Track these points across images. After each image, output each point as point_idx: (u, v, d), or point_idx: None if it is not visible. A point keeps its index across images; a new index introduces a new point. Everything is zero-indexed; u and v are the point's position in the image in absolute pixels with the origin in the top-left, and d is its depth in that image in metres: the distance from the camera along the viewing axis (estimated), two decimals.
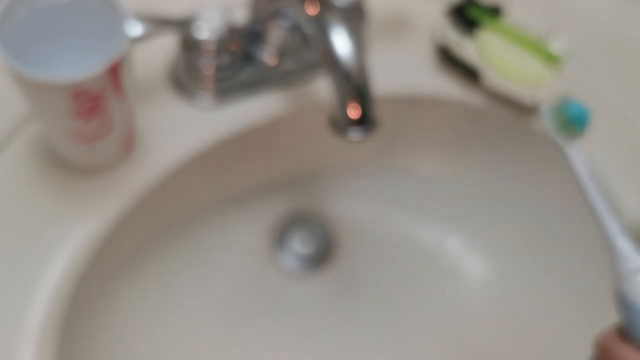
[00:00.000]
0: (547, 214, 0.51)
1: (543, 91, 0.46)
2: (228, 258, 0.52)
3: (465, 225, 0.55)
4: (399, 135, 0.52)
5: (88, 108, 0.34)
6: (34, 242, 0.38)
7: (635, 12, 0.54)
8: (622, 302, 0.30)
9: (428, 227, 0.55)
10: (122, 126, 0.38)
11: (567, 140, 0.32)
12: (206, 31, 0.41)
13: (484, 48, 0.47)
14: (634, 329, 0.29)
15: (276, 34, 0.43)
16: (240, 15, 0.45)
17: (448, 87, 0.48)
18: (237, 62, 0.44)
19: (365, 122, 0.36)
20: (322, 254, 0.54)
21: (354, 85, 0.36)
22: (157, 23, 0.40)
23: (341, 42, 0.36)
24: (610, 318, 0.37)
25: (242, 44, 0.44)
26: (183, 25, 0.41)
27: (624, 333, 0.30)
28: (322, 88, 0.46)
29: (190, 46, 0.42)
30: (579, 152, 0.32)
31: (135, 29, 0.38)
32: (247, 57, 0.44)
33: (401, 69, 0.48)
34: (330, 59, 0.36)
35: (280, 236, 0.54)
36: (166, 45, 0.44)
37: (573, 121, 0.32)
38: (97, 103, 0.34)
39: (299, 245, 0.54)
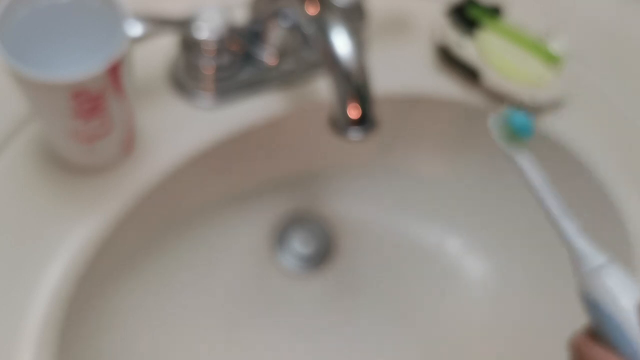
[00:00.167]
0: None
1: (543, 91, 0.46)
2: (228, 258, 0.52)
3: (465, 225, 0.55)
4: (399, 135, 0.52)
5: (88, 108, 0.34)
6: (34, 242, 0.38)
7: (635, 12, 0.54)
8: (588, 302, 0.29)
9: (428, 227, 0.55)
10: (122, 126, 0.38)
11: (515, 149, 0.32)
12: (206, 31, 0.41)
13: (484, 48, 0.47)
14: (601, 328, 0.29)
15: (276, 34, 0.43)
16: (240, 15, 0.45)
17: (448, 87, 0.48)
18: (237, 62, 0.44)
19: (365, 122, 0.36)
20: (322, 254, 0.54)
21: (354, 85, 0.36)
22: (157, 23, 0.40)
23: (341, 42, 0.36)
24: None
25: (242, 44, 0.44)
26: (183, 25, 0.41)
27: (593, 333, 0.29)
28: (322, 88, 0.46)
29: (190, 46, 0.42)
30: (528, 160, 0.32)
31: (135, 29, 0.38)
32: (247, 57, 0.44)
33: (401, 69, 0.48)
34: (330, 59, 0.36)
35: (280, 236, 0.54)
36: (166, 45, 0.44)
37: (518, 131, 0.32)
38: (97, 103, 0.34)
39: (299, 245, 0.54)
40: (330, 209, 0.55)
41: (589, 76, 0.49)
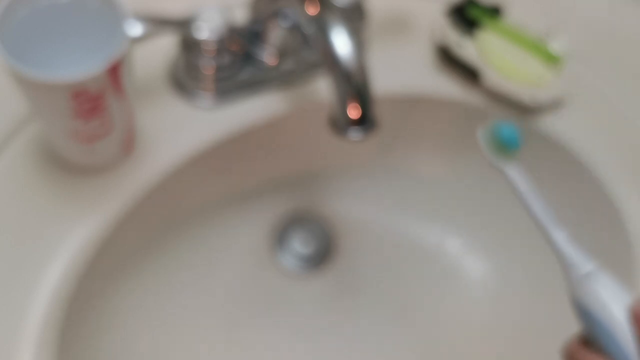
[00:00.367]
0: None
1: (543, 91, 0.46)
2: (228, 258, 0.52)
3: (465, 225, 0.55)
4: (399, 135, 0.52)
5: (88, 108, 0.34)
6: (34, 242, 0.38)
7: (635, 12, 0.54)
8: (579, 309, 0.30)
9: (428, 227, 0.55)
10: (122, 126, 0.38)
11: (504, 160, 0.32)
12: (206, 31, 0.41)
13: (484, 48, 0.47)
14: (593, 335, 0.29)
15: (276, 34, 0.43)
16: (240, 15, 0.45)
17: (448, 87, 0.48)
18: (237, 62, 0.44)
19: (365, 122, 0.36)
20: (322, 254, 0.54)
21: (354, 85, 0.36)
22: (157, 23, 0.40)
23: (341, 42, 0.36)
24: None
25: (242, 44, 0.44)
26: (183, 25, 0.41)
27: (586, 340, 0.30)
28: (322, 88, 0.46)
29: (190, 46, 0.42)
30: (516, 170, 0.32)
31: (135, 29, 0.38)
32: (247, 57, 0.44)
33: (401, 69, 0.48)
34: (330, 59, 0.36)
35: (280, 236, 0.54)
36: (166, 45, 0.44)
37: (506, 142, 0.33)
38: (97, 103, 0.34)
39: (299, 245, 0.54)
40: (330, 209, 0.55)
41: (589, 76, 0.49)
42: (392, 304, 0.53)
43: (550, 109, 0.48)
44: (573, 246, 0.31)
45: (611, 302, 0.28)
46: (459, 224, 0.55)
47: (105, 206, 0.40)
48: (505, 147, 0.33)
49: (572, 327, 0.31)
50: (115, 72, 0.33)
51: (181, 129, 0.43)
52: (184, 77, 0.44)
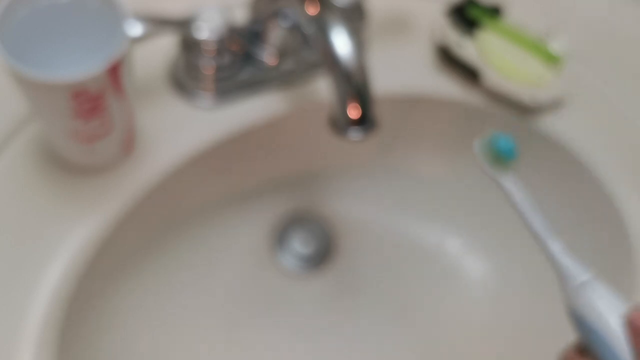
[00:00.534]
0: (547, 213, 0.51)
1: (543, 91, 0.46)
2: (228, 258, 0.52)
3: (465, 225, 0.55)
4: (399, 135, 0.52)
5: (88, 108, 0.34)
6: (34, 242, 0.38)
7: (635, 12, 0.54)
8: (575, 318, 0.30)
9: (428, 227, 0.55)
10: (122, 126, 0.38)
11: (500, 172, 0.33)
12: (206, 31, 0.41)
13: (484, 48, 0.47)
14: (589, 344, 0.29)
15: (276, 34, 0.43)
16: (240, 15, 0.45)
17: (448, 87, 0.48)
18: (237, 62, 0.44)
19: (365, 122, 0.36)
20: (322, 254, 0.54)
21: (354, 85, 0.36)
22: (157, 23, 0.40)
23: (341, 42, 0.36)
24: None
25: (242, 44, 0.44)
26: (183, 25, 0.41)
27: (582, 348, 0.30)
28: (322, 88, 0.46)
29: (190, 46, 0.42)
30: (513, 182, 0.33)
31: (135, 29, 0.38)
32: (247, 57, 0.44)
33: (401, 69, 0.48)
34: (330, 59, 0.36)
35: (280, 236, 0.54)
36: (166, 45, 0.44)
37: (502, 154, 0.33)
38: (97, 103, 0.34)
39: (299, 245, 0.54)
40: (330, 209, 0.55)
41: (589, 76, 0.49)
42: (392, 304, 0.53)
43: (550, 109, 0.48)
44: (569, 256, 0.31)
45: (606, 311, 0.28)
46: (459, 224, 0.55)
47: (105, 206, 0.40)
48: (501, 158, 0.33)
49: (571, 327, 0.31)
50: (115, 72, 0.33)
51: (181, 129, 0.43)
52: (184, 77, 0.44)
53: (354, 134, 0.36)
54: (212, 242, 0.51)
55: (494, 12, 0.48)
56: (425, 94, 0.48)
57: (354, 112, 0.36)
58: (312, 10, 0.37)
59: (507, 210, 0.54)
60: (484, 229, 0.54)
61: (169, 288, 0.49)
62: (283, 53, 0.44)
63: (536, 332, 0.49)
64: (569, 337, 0.31)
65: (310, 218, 0.55)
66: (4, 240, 0.38)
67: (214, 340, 0.49)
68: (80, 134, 0.36)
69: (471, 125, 0.50)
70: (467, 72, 0.47)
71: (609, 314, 0.28)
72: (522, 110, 0.47)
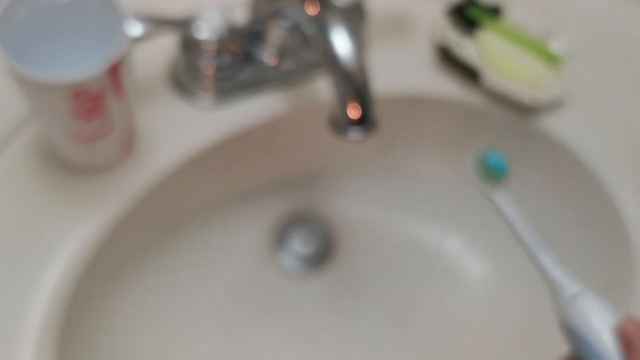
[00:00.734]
0: (547, 213, 0.51)
1: (543, 91, 0.46)
2: (228, 258, 0.52)
3: (465, 225, 0.55)
4: (399, 135, 0.52)
5: (88, 108, 0.34)
6: (34, 242, 0.38)
7: (635, 12, 0.54)
8: (566, 330, 0.30)
9: (428, 227, 0.55)
10: (122, 126, 0.38)
11: (492, 188, 0.34)
12: (206, 31, 0.41)
13: (484, 48, 0.47)
14: (581, 355, 0.30)
15: (276, 34, 0.43)
16: (240, 15, 0.45)
17: (448, 87, 0.48)
18: (237, 62, 0.44)
19: (365, 122, 0.36)
20: (322, 254, 0.54)
21: (354, 85, 0.36)
22: (157, 23, 0.40)
23: (341, 42, 0.36)
24: None
25: (242, 44, 0.44)
26: (183, 25, 0.41)
27: (574, 359, 0.30)
28: (322, 88, 0.46)
29: (190, 46, 0.42)
30: (504, 197, 0.34)
31: (135, 29, 0.38)
32: (247, 57, 0.44)
33: (401, 69, 0.48)
34: (330, 59, 0.36)
35: (280, 236, 0.54)
36: (166, 45, 0.44)
37: (494, 171, 0.34)
38: (97, 103, 0.34)
39: (299, 245, 0.54)
40: (330, 209, 0.55)
41: (589, 76, 0.49)
42: (392, 304, 0.53)
43: (550, 109, 0.48)
44: (559, 269, 0.32)
45: (598, 323, 0.29)
46: (459, 224, 0.55)
47: (105, 206, 0.40)
48: (493, 174, 0.34)
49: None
50: (115, 72, 0.33)
51: (181, 129, 0.43)
52: (184, 77, 0.44)
53: (354, 134, 0.36)
54: (212, 242, 0.51)
55: (494, 12, 0.48)
56: (425, 94, 0.48)
57: (354, 112, 0.36)
58: (312, 10, 0.37)
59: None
60: (484, 229, 0.54)
61: (169, 288, 0.49)
62: (283, 53, 0.44)
63: (536, 332, 0.49)
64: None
65: (310, 218, 0.55)
66: (4, 240, 0.38)
67: (214, 340, 0.49)
68: (80, 134, 0.36)
69: (471, 125, 0.50)
70: (467, 72, 0.47)
71: (600, 325, 0.29)
72: (522, 110, 0.47)
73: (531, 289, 0.52)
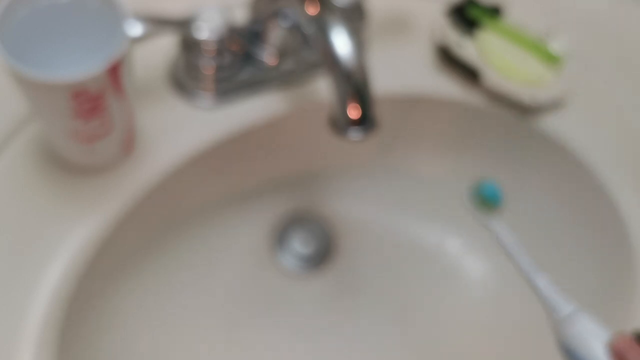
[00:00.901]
0: (547, 213, 0.51)
1: (543, 91, 0.46)
2: (228, 258, 0.52)
3: (465, 225, 0.55)
4: (399, 135, 0.52)
5: (88, 108, 0.34)
6: (34, 242, 0.38)
7: (635, 12, 0.54)
8: (563, 349, 0.32)
9: (428, 227, 0.55)
10: (122, 126, 0.38)
11: (488, 216, 0.37)
12: (206, 31, 0.41)
13: (484, 48, 0.47)
14: None
15: (276, 34, 0.43)
16: (240, 15, 0.45)
17: (448, 87, 0.48)
18: (237, 62, 0.44)
19: (365, 122, 0.36)
20: (322, 254, 0.54)
21: (354, 85, 0.36)
22: (157, 23, 0.40)
23: (341, 42, 0.36)
24: (609, 319, 0.37)
25: (242, 44, 0.44)
26: (183, 25, 0.41)
27: None
28: (322, 88, 0.46)
29: (190, 46, 0.42)
30: (499, 224, 0.37)
31: (135, 29, 0.38)
32: (247, 57, 0.44)
33: (401, 69, 0.48)
34: (330, 59, 0.36)
35: (280, 236, 0.54)
36: (166, 45, 0.44)
37: (489, 200, 0.37)
38: (97, 103, 0.34)
39: (299, 245, 0.54)
40: (330, 209, 0.55)
41: (589, 76, 0.49)
42: (392, 304, 0.53)
43: (550, 109, 0.48)
44: (554, 290, 0.34)
45: (592, 340, 0.31)
46: (459, 224, 0.55)
47: (105, 206, 0.40)
48: (488, 203, 0.37)
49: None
50: (115, 72, 0.33)
51: (181, 129, 0.43)
52: (184, 77, 0.44)
53: (354, 134, 0.36)
54: (212, 242, 0.51)
55: (494, 12, 0.48)
56: (425, 94, 0.48)
57: (354, 112, 0.36)
58: (312, 10, 0.37)
59: (507, 210, 0.54)
60: (484, 229, 0.54)
61: (169, 288, 0.49)
62: (283, 53, 0.44)
63: (536, 332, 0.49)
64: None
65: (310, 218, 0.55)
66: (4, 240, 0.38)
67: (214, 340, 0.49)
68: (80, 134, 0.36)
69: (471, 125, 0.50)
70: (467, 72, 0.47)
71: (594, 342, 0.31)
72: (522, 110, 0.47)
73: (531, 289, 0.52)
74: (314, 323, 0.51)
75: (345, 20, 0.37)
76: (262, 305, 0.51)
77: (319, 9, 0.37)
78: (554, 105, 0.47)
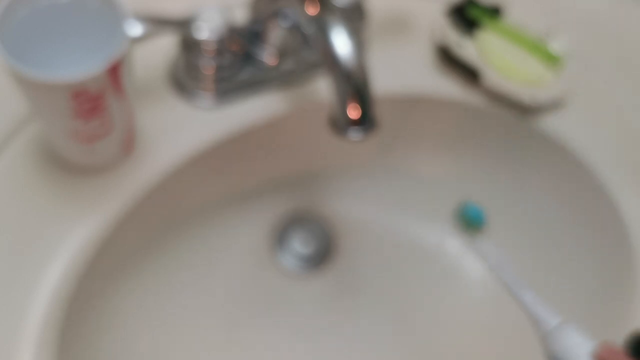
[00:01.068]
0: (547, 213, 0.51)
1: (543, 91, 0.46)
2: (228, 258, 0.52)
3: None
4: (399, 135, 0.52)
5: (88, 108, 0.34)
6: (34, 242, 0.38)
7: (635, 12, 0.54)
8: (549, 358, 0.34)
9: (428, 227, 0.55)
10: (122, 126, 0.38)
11: (473, 236, 0.39)
12: (206, 31, 0.41)
13: (484, 48, 0.47)
14: None
15: (276, 34, 0.43)
16: (240, 15, 0.45)
17: (448, 87, 0.48)
18: (237, 62, 0.44)
19: (365, 122, 0.36)
20: (322, 254, 0.54)
21: (354, 85, 0.36)
22: (157, 23, 0.40)
23: (341, 42, 0.36)
24: (609, 319, 0.37)
25: (242, 44, 0.44)
26: (183, 25, 0.41)
27: None
28: (322, 88, 0.46)
29: (190, 46, 0.42)
30: (484, 244, 0.39)
31: (135, 29, 0.38)
32: (247, 57, 0.44)
33: (401, 69, 0.48)
34: (330, 59, 0.36)
35: (280, 236, 0.54)
36: (166, 45, 0.44)
37: (472, 220, 0.40)
38: (97, 103, 0.34)
39: (299, 245, 0.54)
40: (330, 209, 0.55)
41: (589, 76, 0.49)
42: (392, 304, 0.53)
43: (550, 109, 0.48)
44: (540, 305, 0.36)
45: (577, 350, 0.33)
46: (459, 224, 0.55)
47: (105, 206, 0.40)
48: (472, 223, 0.40)
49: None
50: (115, 72, 0.33)
51: (181, 129, 0.43)
52: (184, 77, 0.44)
53: (354, 134, 0.36)
54: (212, 242, 0.51)
55: (494, 12, 0.48)
56: (425, 94, 0.48)
57: (354, 112, 0.36)
58: (312, 10, 0.37)
59: (507, 210, 0.54)
60: (483, 229, 0.54)
61: (169, 288, 0.49)
62: (283, 53, 0.44)
63: (536, 333, 0.49)
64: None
65: (310, 218, 0.55)
66: (4, 240, 0.38)
67: (214, 340, 0.49)
68: (80, 134, 0.36)
69: (471, 125, 0.50)
70: (467, 72, 0.47)
71: (579, 352, 0.33)
72: (522, 110, 0.47)
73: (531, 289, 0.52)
74: (314, 323, 0.51)
75: (345, 20, 0.37)
76: (262, 305, 0.51)
77: (319, 9, 0.37)
78: (554, 105, 0.47)
